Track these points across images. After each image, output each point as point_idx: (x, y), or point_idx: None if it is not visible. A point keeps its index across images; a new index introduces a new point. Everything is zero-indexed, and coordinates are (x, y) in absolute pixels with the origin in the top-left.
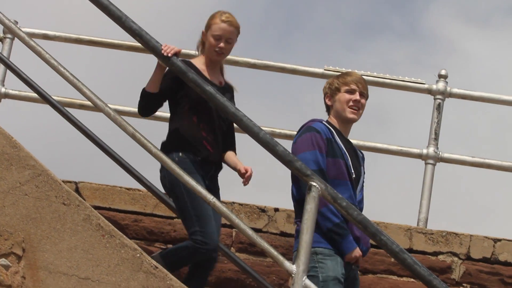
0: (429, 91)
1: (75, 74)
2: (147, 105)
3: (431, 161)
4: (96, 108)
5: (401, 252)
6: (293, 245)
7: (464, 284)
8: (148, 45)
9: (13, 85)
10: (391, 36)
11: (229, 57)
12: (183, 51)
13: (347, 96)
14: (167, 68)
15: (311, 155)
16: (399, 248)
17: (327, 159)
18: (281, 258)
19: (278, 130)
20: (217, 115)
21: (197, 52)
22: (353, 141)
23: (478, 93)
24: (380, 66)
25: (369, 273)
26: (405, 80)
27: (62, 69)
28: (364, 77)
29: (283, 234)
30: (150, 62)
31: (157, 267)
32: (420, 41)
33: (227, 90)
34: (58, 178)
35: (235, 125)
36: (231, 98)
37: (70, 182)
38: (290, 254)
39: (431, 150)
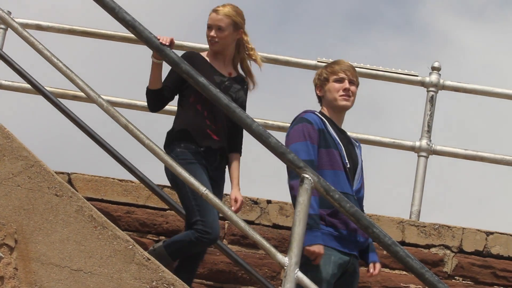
0: (422, 84)
1: (68, 65)
2: (152, 102)
3: (423, 154)
4: (89, 99)
5: (394, 245)
6: (285, 238)
7: (456, 277)
8: (141, 36)
9: (6, 75)
10: (385, 28)
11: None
12: (177, 42)
13: (337, 85)
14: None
15: (302, 146)
16: (391, 240)
17: (320, 150)
18: (273, 250)
19: (271, 122)
20: None
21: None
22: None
23: (471, 86)
24: (375, 58)
25: (361, 266)
26: (398, 72)
27: (55, 59)
28: (357, 69)
29: (275, 226)
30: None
31: (149, 259)
32: (414, 33)
33: (238, 81)
34: (50, 169)
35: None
36: (239, 90)
37: (62, 173)
38: (283, 246)
39: (424, 142)
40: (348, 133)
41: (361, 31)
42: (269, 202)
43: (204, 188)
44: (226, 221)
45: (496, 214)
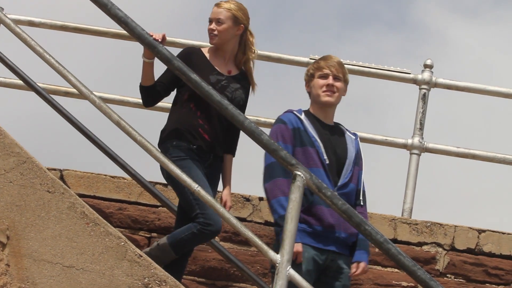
0: (414, 81)
1: (60, 61)
2: (145, 97)
3: (416, 151)
4: (81, 95)
5: (385, 243)
6: None
7: (448, 275)
8: (134, 33)
9: None
10: (379, 26)
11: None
12: (169, 39)
13: (321, 81)
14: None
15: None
16: (383, 238)
17: (296, 149)
18: (265, 247)
19: (263, 119)
20: None
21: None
22: None
23: (463, 83)
24: (369, 56)
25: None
26: (390, 69)
27: (47, 56)
28: (349, 66)
29: (267, 223)
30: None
31: (141, 256)
32: (408, 31)
33: (238, 80)
34: (42, 165)
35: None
36: (238, 89)
37: (55, 169)
38: None
39: (416, 140)
40: (344, 127)
41: (355, 29)
42: (261, 199)
43: (196, 185)
44: None
45: (488, 212)
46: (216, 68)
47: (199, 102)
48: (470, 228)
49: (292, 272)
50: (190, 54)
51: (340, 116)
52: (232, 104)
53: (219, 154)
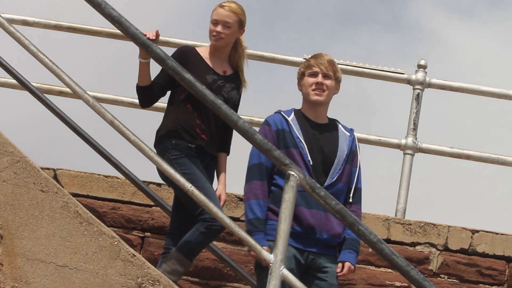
0: (408, 81)
1: (54, 61)
2: (142, 98)
3: (409, 152)
4: (75, 95)
5: (379, 243)
6: None
7: (442, 275)
8: (127, 32)
9: None
10: (374, 26)
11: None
12: (164, 38)
13: (310, 79)
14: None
15: (254, 150)
16: (376, 238)
17: (280, 150)
18: (258, 247)
19: (256, 119)
20: None
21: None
22: None
23: (457, 84)
24: (364, 56)
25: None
26: (384, 70)
27: (41, 55)
28: (343, 66)
29: None
30: (129, 49)
31: (134, 255)
32: (403, 32)
33: (232, 80)
34: (36, 165)
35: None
36: (233, 89)
37: (48, 169)
38: None
39: (410, 140)
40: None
41: (350, 29)
42: None
43: (190, 185)
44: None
45: (482, 212)
46: (212, 67)
47: (196, 103)
48: (464, 228)
49: (285, 272)
50: (185, 53)
51: (333, 116)
52: (227, 104)
53: (214, 154)
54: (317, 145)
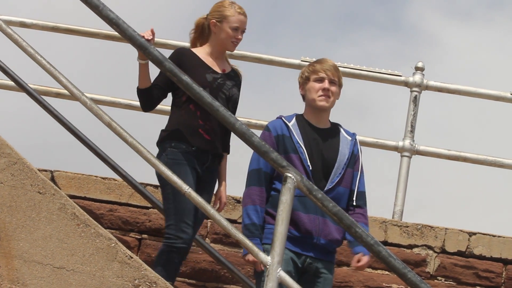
0: (405, 84)
1: (51, 63)
2: (143, 101)
3: (407, 154)
4: (72, 96)
5: (376, 245)
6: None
7: (439, 278)
8: (125, 34)
9: None
10: (373, 28)
11: None
12: (161, 40)
13: (316, 85)
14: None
15: (254, 155)
16: (374, 240)
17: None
18: (255, 249)
19: (254, 121)
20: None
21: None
22: None
23: (454, 86)
24: (362, 58)
25: (344, 265)
26: (381, 72)
27: (38, 57)
28: (341, 68)
29: None
30: (127, 51)
31: (131, 257)
32: (402, 34)
33: (231, 77)
34: (33, 166)
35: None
36: (233, 87)
37: (45, 170)
38: None
39: (407, 142)
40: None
41: (349, 31)
42: None
43: (187, 187)
44: (209, 220)
45: (479, 214)
46: (211, 66)
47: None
48: (461, 230)
49: (283, 274)
50: (183, 55)
51: (331, 118)
52: (229, 102)
53: (220, 152)
54: (317, 150)
